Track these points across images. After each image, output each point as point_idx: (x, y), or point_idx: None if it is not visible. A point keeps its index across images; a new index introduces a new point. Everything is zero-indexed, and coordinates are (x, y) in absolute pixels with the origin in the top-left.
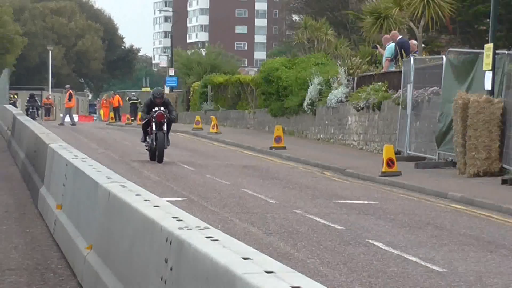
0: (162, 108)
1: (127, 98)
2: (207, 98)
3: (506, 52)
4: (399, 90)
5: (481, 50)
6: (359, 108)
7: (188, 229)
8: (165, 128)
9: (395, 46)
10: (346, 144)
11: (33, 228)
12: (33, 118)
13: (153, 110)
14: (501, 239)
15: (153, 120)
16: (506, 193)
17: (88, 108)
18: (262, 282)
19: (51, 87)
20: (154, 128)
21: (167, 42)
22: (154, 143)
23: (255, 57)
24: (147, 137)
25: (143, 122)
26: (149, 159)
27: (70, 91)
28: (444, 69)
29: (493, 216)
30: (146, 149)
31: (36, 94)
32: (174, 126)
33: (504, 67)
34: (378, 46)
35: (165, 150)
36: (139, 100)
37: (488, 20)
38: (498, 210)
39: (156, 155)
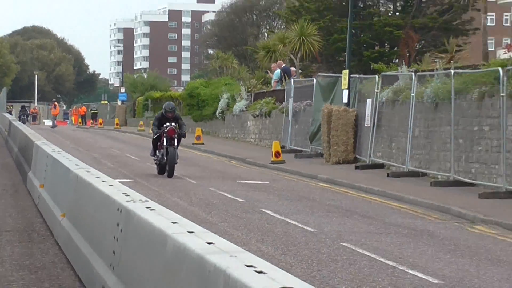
0: (173, 124)
1: (90, 108)
2: (148, 108)
3: (357, 76)
4: (283, 103)
5: (340, 75)
6: (255, 115)
7: (133, 202)
8: (175, 143)
9: (280, 71)
10: (246, 141)
11: (23, 201)
12: (24, 122)
13: (165, 125)
14: (355, 208)
15: (164, 135)
16: (358, 175)
17: (63, 115)
18: (185, 239)
19: (37, 101)
20: (165, 143)
21: (119, 68)
22: (165, 158)
23: (182, 79)
24: (157, 151)
25: (154, 137)
26: (156, 173)
27: (56, 103)
28: (314, 88)
29: (349, 192)
30: (155, 163)
31: (26, 106)
32: (123, 127)
33: (356, 86)
34: (268, 71)
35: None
36: (98, 111)
37: (345, 53)
38: (352, 187)
39: (166, 169)
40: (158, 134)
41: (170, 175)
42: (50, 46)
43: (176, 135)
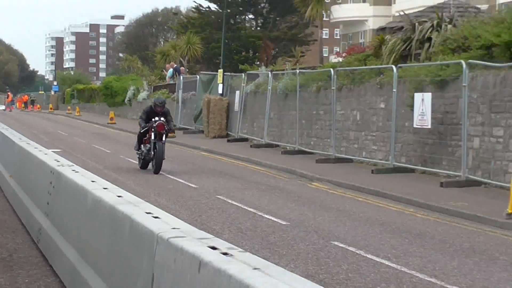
0: (162, 118)
1: (30, 97)
2: (74, 96)
3: (229, 74)
4: (175, 93)
5: (216, 73)
6: None
7: (62, 166)
8: (164, 138)
9: (173, 70)
10: None
11: None
12: None
13: (153, 119)
14: (227, 170)
15: (152, 129)
16: (229, 146)
17: (11, 102)
18: (101, 194)
19: None
20: (153, 137)
21: (53, 67)
22: (152, 153)
23: (100, 75)
24: (142, 145)
25: (141, 131)
26: (139, 168)
27: (9, 93)
28: (197, 82)
29: (223, 159)
30: (138, 157)
31: None
32: (56, 111)
33: (228, 81)
34: (164, 70)
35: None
36: (36, 99)
37: (220, 57)
38: (225, 155)
39: (152, 164)
40: (146, 128)
41: (157, 171)
42: (0, 50)
43: (164, 131)
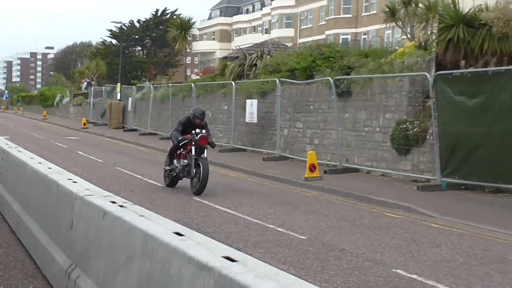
0: (204, 131)
1: None
2: (19, 101)
3: (125, 86)
4: (88, 99)
5: (116, 85)
6: (74, 105)
7: (10, 147)
8: (206, 154)
9: (87, 83)
10: (69, 118)
11: None
12: None
13: (194, 132)
14: (122, 150)
15: (193, 143)
16: (124, 134)
17: None
18: (37, 166)
19: None
20: (193, 152)
21: (5, 81)
22: (194, 170)
23: (37, 87)
24: (175, 160)
25: (179, 144)
26: (165, 185)
27: None
28: (103, 91)
29: (119, 143)
30: (169, 173)
31: None
32: (6, 111)
33: (124, 91)
34: (80, 83)
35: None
36: None
37: (118, 75)
38: (121, 140)
39: (193, 184)
40: (185, 142)
41: (200, 191)
42: None
43: (207, 146)
